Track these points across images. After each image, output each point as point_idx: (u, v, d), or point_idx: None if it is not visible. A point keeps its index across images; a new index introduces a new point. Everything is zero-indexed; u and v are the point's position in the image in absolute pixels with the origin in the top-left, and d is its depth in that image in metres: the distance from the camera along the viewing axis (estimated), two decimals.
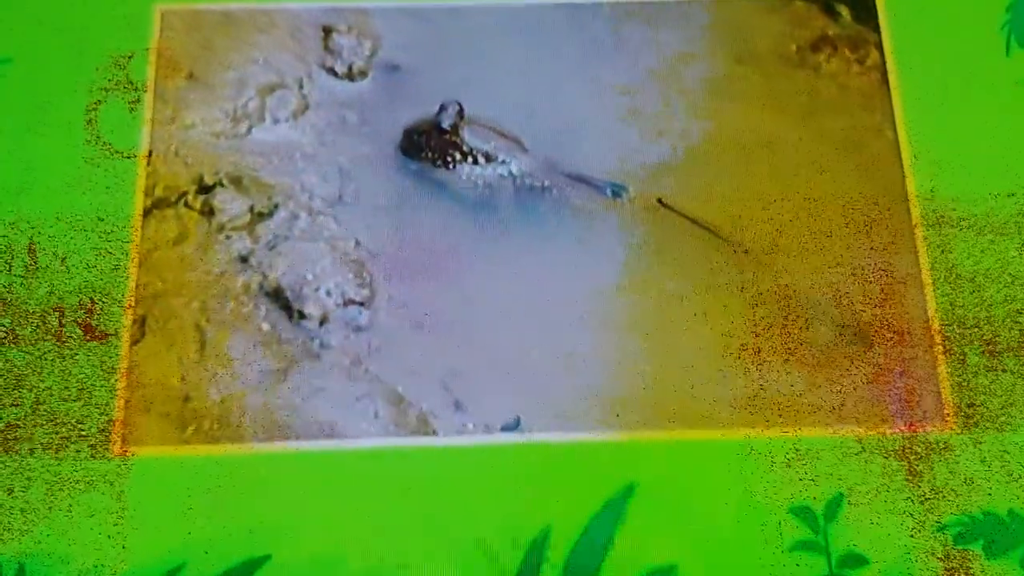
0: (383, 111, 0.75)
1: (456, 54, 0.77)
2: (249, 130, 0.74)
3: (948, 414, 0.66)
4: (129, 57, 0.75)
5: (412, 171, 0.73)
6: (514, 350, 0.68)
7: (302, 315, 0.69)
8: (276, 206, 0.72)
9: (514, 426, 0.66)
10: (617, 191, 0.73)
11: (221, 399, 0.67)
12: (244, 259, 0.71)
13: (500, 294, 0.70)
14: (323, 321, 0.69)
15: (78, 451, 0.64)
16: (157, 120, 0.74)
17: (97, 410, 0.65)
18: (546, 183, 0.73)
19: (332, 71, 0.76)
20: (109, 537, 0.62)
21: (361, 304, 0.70)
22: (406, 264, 0.71)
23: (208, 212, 0.72)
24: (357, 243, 0.71)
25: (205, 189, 0.72)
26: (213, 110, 0.75)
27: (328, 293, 0.70)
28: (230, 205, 0.72)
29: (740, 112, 0.75)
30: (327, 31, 0.77)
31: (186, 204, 0.72)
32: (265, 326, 0.69)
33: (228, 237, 0.71)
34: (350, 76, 0.75)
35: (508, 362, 0.68)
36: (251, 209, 0.72)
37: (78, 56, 0.75)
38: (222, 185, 0.72)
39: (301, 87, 0.75)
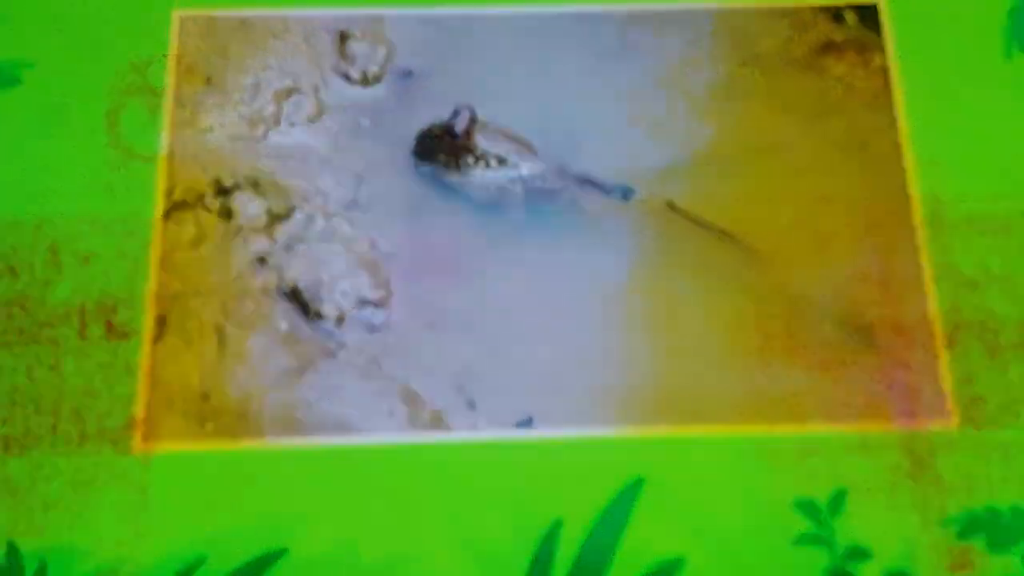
0: (397, 116, 0.77)
1: (467, 60, 0.79)
2: (266, 134, 0.76)
3: (950, 411, 0.68)
4: (148, 62, 0.77)
5: (425, 175, 0.75)
6: (525, 349, 0.70)
7: (319, 315, 0.71)
8: (293, 208, 0.74)
9: (527, 425, 0.68)
10: (626, 194, 0.75)
11: (239, 397, 0.69)
12: (262, 260, 0.73)
13: (512, 295, 0.72)
14: (339, 321, 0.71)
15: (100, 447, 0.67)
16: (176, 124, 0.76)
17: (119, 407, 0.68)
18: (556, 186, 0.75)
19: (346, 76, 0.78)
20: (131, 532, 0.65)
21: (376, 305, 0.72)
22: (420, 266, 0.73)
23: (226, 214, 0.74)
24: (372, 245, 0.73)
25: (223, 192, 0.75)
26: (230, 114, 0.77)
27: (344, 294, 0.72)
28: (247, 207, 0.74)
29: (745, 115, 0.77)
30: (342, 37, 0.79)
31: (204, 207, 0.74)
32: (283, 326, 0.71)
33: (246, 239, 0.73)
34: (364, 81, 0.78)
35: (519, 361, 0.70)
36: (268, 211, 0.74)
37: (98, 61, 0.77)
38: (239, 188, 0.75)
39: (316, 92, 0.77)
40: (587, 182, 0.75)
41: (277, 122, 0.77)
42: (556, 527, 0.65)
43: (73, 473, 0.66)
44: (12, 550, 0.64)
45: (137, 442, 0.67)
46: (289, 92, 0.77)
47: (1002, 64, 0.78)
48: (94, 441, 0.67)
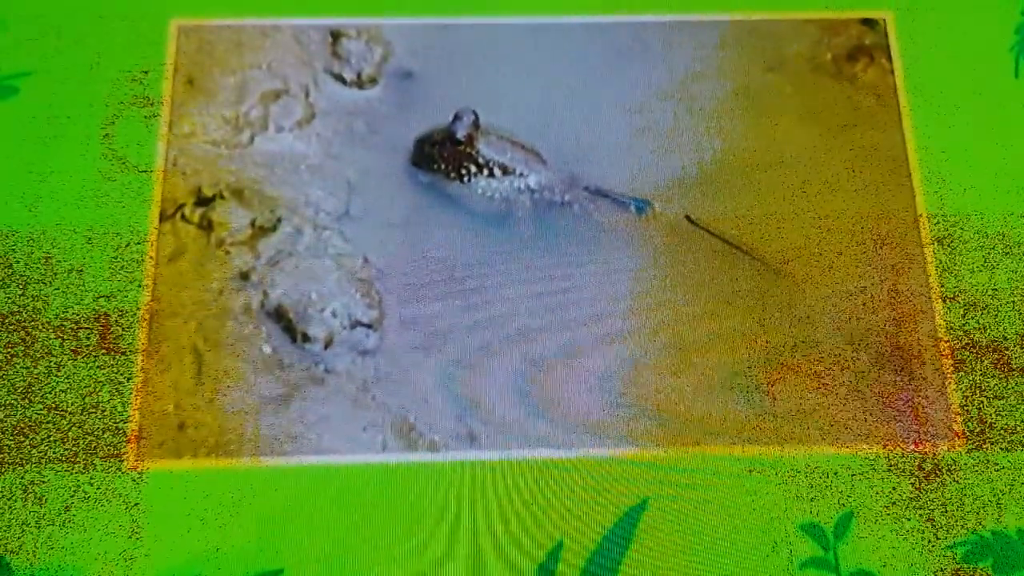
0: (393, 120, 0.81)
1: (472, 61, 0.83)
2: (251, 139, 0.81)
3: (957, 433, 0.76)
4: (146, 72, 0.84)
5: (424, 184, 0.80)
6: (529, 371, 0.75)
7: (306, 337, 0.75)
8: (279, 220, 0.78)
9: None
10: (641, 207, 0.79)
11: (218, 427, 0.73)
12: (245, 276, 0.77)
13: (516, 314, 0.77)
14: (328, 344, 0.75)
15: (93, 465, 0.74)
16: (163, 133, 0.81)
17: (112, 424, 0.75)
18: (566, 198, 0.79)
19: (340, 78, 0.83)
20: (123, 551, 0.73)
21: (369, 326, 0.76)
22: (417, 283, 0.77)
23: (207, 226, 0.78)
24: (365, 260, 0.78)
25: (204, 201, 0.79)
26: (213, 118, 0.81)
27: (334, 314, 0.76)
28: (230, 218, 0.78)
29: (754, 128, 0.83)
30: (335, 36, 0.84)
31: (183, 217, 0.78)
32: (266, 349, 0.75)
33: (227, 252, 0.78)
34: (359, 83, 0.83)
35: (524, 388, 0.75)
36: (253, 223, 0.78)
37: (96, 71, 0.84)
38: (222, 197, 0.79)
39: (307, 94, 0.82)
40: (601, 195, 0.79)
41: (264, 126, 0.81)
42: (558, 549, 0.73)
43: (65, 491, 0.74)
44: (4, 567, 0.72)
45: (130, 460, 0.74)
46: (278, 94, 0.82)
47: (1011, 82, 0.86)
48: (87, 458, 0.75)
